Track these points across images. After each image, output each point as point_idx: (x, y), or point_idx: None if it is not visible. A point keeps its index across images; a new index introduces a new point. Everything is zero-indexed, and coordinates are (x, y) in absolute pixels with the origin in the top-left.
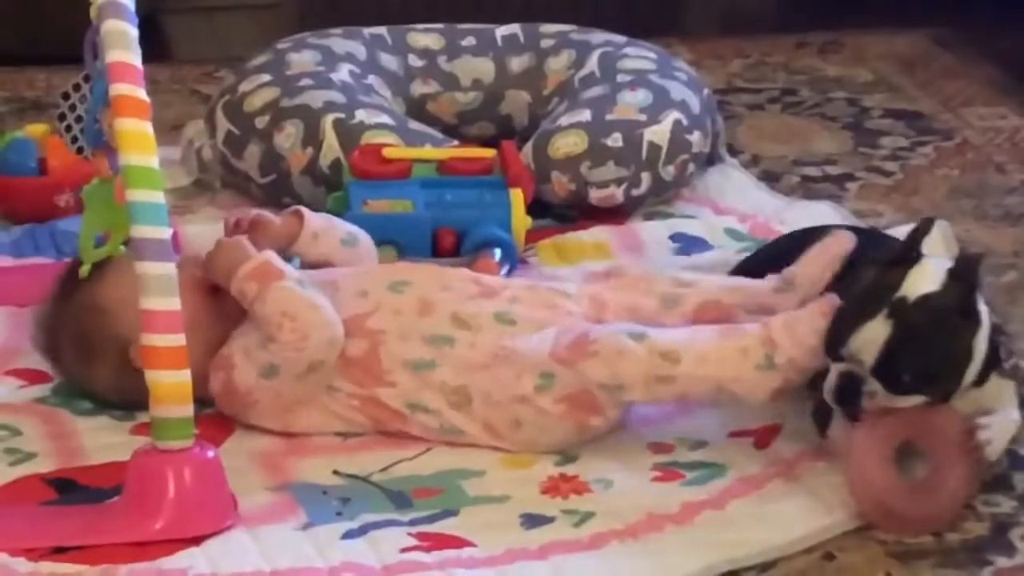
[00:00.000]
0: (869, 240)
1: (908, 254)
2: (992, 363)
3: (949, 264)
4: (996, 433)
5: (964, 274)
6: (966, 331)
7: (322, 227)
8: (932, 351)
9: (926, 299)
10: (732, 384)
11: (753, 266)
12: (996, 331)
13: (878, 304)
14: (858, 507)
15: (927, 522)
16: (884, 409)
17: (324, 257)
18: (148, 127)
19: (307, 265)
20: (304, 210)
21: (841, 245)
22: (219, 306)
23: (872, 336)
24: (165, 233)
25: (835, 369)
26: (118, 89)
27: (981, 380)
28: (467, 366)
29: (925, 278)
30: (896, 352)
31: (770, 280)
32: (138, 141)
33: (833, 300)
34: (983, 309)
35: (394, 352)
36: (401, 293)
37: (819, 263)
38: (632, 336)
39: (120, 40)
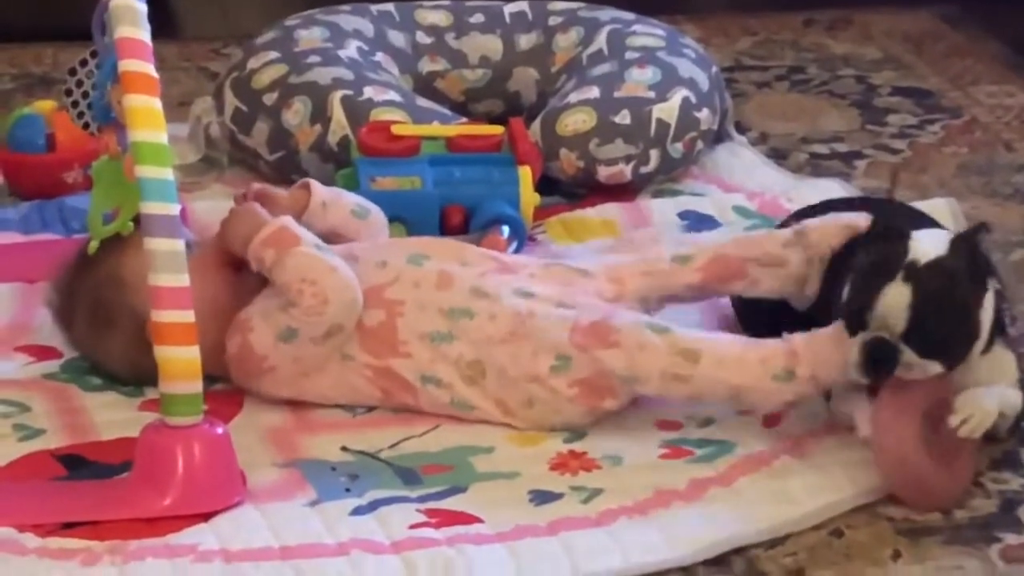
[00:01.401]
0: (894, 212)
1: (902, 228)
2: (997, 329)
3: (949, 233)
4: (971, 411)
5: (969, 239)
6: (976, 294)
7: (331, 198)
8: (950, 313)
9: (938, 262)
10: (746, 392)
11: None
12: (999, 297)
13: (893, 268)
14: (884, 476)
15: (949, 493)
16: (904, 378)
17: (334, 229)
18: (157, 103)
19: (319, 237)
20: (312, 182)
21: (858, 220)
22: (240, 285)
23: (896, 300)
24: (174, 210)
25: (861, 339)
26: (127, 65)
27: (987, 347)
28: (485, 339)
29: (930, 244)
30: (922, 314)
31: (783, 232)
32: (147, 117)
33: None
34: (989, 274)
35: (411, 323)
36: (420, 266)
37: (834, 226)
38: (655, 330)
39: (129, 16)
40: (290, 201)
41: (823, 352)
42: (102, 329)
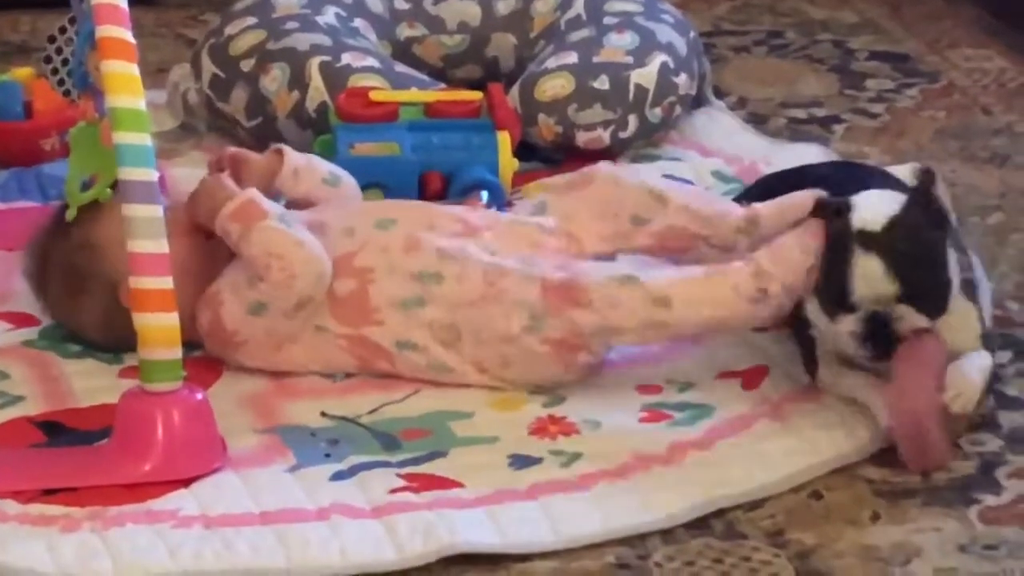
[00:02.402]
0: (868, 175)
1: (837, 203)
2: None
3: (894, 193)
4: (960, 387)
5: (921, 187)
6: (941, 240)
7: (303, 165)
8: (926, 264)
9: (894, 221)
10: (725, 320)
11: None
12: (957, 248)
13: (846, 244)
14: (897, 430)
15: (945, 455)
16: (916, 338)
17: (306, 196)
18: (135, 69)
19: (291, 205)
20: (285, 148)
21: (804, 201)
22: (212, 250)
23: (868, 271)
24: (152, 176)
25: (849, 321)
26: (104, 31)
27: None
28: (456, 302)
29: (871, 208)
30: (901, 272)
31: (736, 217)
32: (125, 83)
33: (817, 224)
34: (945, 219)
35: (383, 290)
36: (387, 230)
37: (784, 212)
38: (623, 283)
39: None
40: (263, 166)
41: (789, 260)
42: (76, 295)
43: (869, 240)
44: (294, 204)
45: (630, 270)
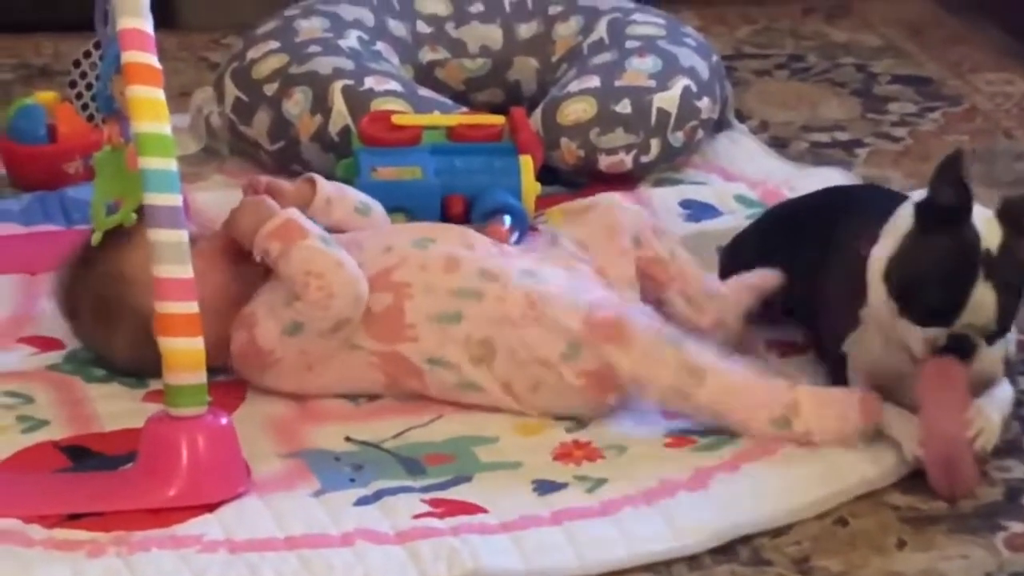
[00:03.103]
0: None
1: (960, 198)
2: None
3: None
4: (986, 424)
5: (1016, 212)
6: None
7: (335, 194)
8: (1017, 302)
9: (1006, 250)
10: (740, 424)
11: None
12: None
13: (971, 264)
14: (928, 456)
15: (973, 481)
16: (939, 361)
17: (337, 224)
18: (160, 94)
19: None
20: (317, 177)
21: (765, 283)
22: (241, 277)
23: (983, 300)
24: (178, 200)
25: (936, 332)
26: (130, 56)
27: None
28: (496, 319)
29: (988, 224)
30: (1005, 311)
31: (714, 285)
32: (150, 108)
33: (877, 401)
34: None
35: (419, 305)
36: (426, 249)
37: (741, 293)
38: (667, 341)
39: (132, 7)
40: (295, 195)
41: (825, 414)
42: (107, 326)
43: (991, 267)
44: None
45: (679, 334)
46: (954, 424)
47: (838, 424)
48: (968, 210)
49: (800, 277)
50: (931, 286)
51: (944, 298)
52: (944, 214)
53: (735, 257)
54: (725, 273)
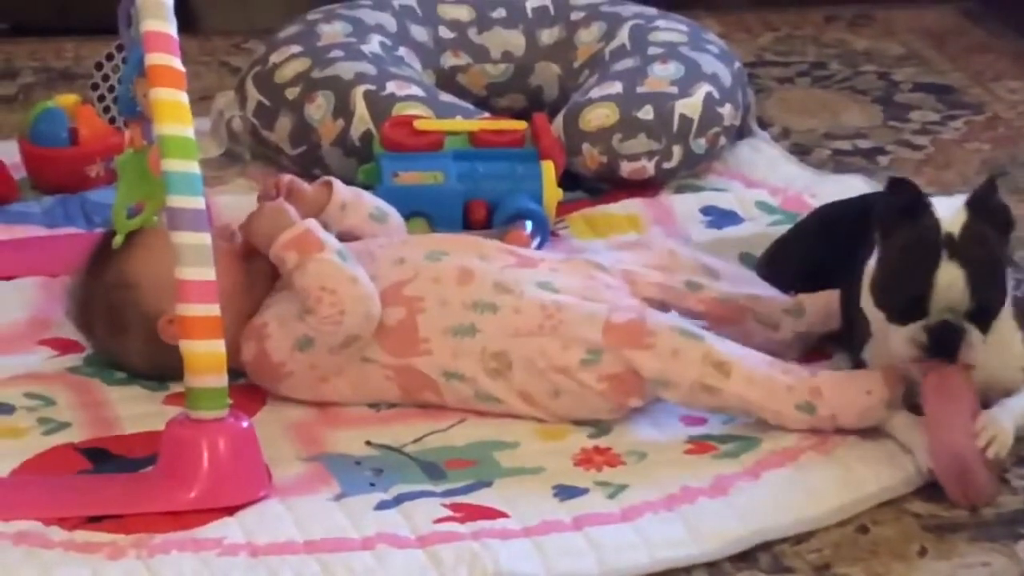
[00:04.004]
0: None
1: (912, 201)
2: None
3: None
4: (998, 431)
5: (986, 196)
6: (1003, 255)
7: (351, 200)
8: (994, 278)
9: (969, 230)
10: (768, 412)
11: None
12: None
13: (932, 249)
14: (937, 468)
15: (991, 488)
16: (941, 372)
17: (351, 230)
18: (183, 97)
19: (336, 237)
20: (334, 181)
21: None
22: (249, 276)
23: (950, 279)
24: (200, 204)
25: (915, 328)
26: (153, 59)
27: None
28: (511, 332)
29: (953, 214)
30: (978, 289)
31: (784, 299)
32: (173, 111)
33: (898, 371)
34: (1009, 224)
35: (433, 319)
36: (439, 261)
37: (829, 305)
38: (689, 336)
39: (155, 9)
40: (312, 197)
41: (847, 396)
42: (119, 333)
43: (954, 247)
44: (339, 237)
45: (700, 330)
46: (960, 436)
47: (863, 400)
48: (922, 205)
49: (840, 287)
50: (897, 282)
51: (910, 289)
52: (901, 215)
53: (777, 263)
54: (767, 278)
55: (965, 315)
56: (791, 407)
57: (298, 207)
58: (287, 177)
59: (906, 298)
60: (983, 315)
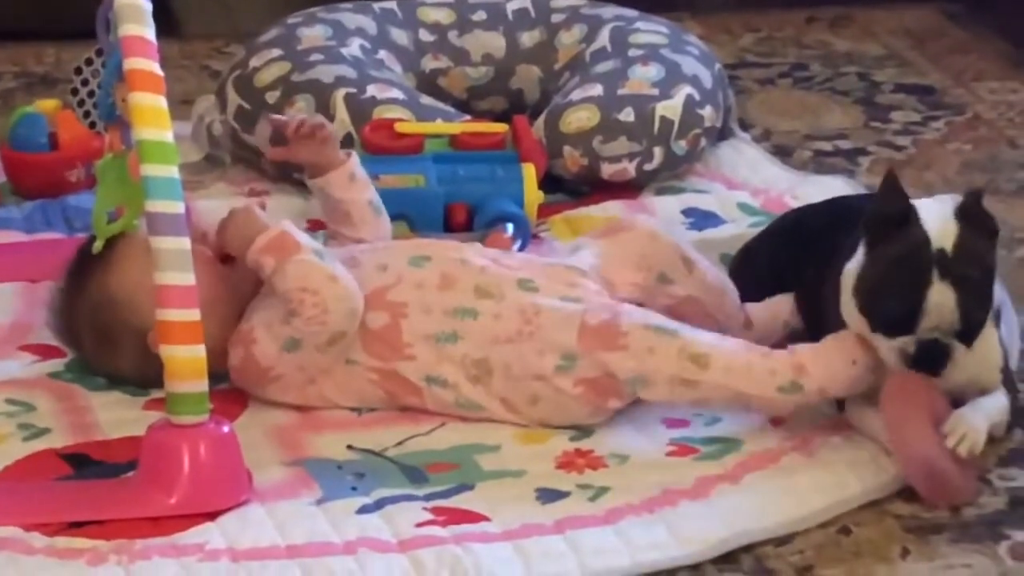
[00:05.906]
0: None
1: (898, 205)
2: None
3: (947, 203)
4: (968, 429)
5: (973, 208)
6: (992, 266)
7: (362, 178)
8: (984, 297)
9: (962, 246)
10: (752, 399)
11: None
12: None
13: (923, 269)
14: (909, 476)
15: (969, 489)
16: (898, 377)
17: (347, 206)
18: (162, 101)
19: (327, 208)
20: (354, 154)
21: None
22: (230, 280)
23: (943, 299)
24: (180, 208)
25: (904, 341)
26: (132, 63)
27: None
28: (491, 338)
29: (939, 221)
30: (967, 308)
31: (738, 314)
32: (153, 116)
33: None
34: (994, 234)
35: (416, 325)
36: (422, 267)
37: (777, 315)
38: (663, 333)
39: (134, 14)
40: (334, 145)
41: (831, 366)
42: (110, 350)
43: (945, 266)
44: (329, 208)
45: (674, 324)
46: (923, 442)
47: (848, 370)
48: (910, 216)
49: (808, 289)
50: (886, 296)
51: (900, 306)
52: (889, 223)
53: (745, 267)
54: (735, 282)
55: (953, 333)
56: (773, 390)
57: (319, 148)
58: (319, 117)
59: (895, 313)
60: (970, 334)
